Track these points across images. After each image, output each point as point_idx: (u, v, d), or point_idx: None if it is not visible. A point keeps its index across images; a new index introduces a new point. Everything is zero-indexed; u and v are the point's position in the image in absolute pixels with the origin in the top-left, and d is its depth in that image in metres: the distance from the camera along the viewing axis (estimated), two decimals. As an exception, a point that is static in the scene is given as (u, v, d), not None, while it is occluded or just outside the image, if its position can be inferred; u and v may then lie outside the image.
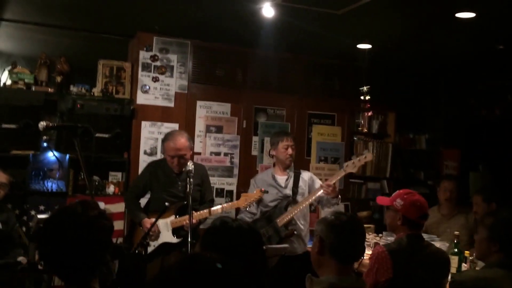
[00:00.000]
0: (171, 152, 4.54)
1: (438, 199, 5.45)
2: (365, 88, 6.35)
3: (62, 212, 2.25)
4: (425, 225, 5.21)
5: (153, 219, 4.09)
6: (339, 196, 4.75)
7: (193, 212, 4.32)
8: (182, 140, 4.55)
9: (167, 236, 4.52)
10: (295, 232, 4.72)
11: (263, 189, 4.65)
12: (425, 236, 3.76)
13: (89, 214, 2.17)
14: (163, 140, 4.73)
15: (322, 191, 4.58)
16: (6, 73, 5.48)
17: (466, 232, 4.99)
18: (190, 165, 4.17)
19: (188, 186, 4.03)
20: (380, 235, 5.05)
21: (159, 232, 4.51)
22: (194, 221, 4.30)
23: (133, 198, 4.77)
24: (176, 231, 4.52)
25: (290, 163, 4.90)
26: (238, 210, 5.20)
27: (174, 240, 4.50)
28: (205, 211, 4.50)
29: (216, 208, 4.55)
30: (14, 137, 5.15)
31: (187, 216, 4.12)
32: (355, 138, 6.92)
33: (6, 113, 5.12)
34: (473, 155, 7.31)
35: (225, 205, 4.66)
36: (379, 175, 7.07)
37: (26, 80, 5.42)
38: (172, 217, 4.53)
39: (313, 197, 4.67)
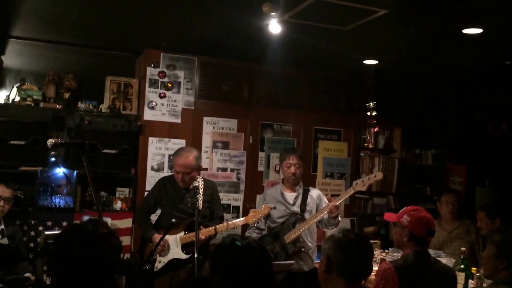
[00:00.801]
0: (177, 167, 4.60)
1: (439, 213, 5.47)
2: (371, 104, 6.37)
3: (72, 229, 2.27)
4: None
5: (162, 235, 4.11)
6: (339, 218, 4.78)
7: (202, 228, 4.36)
8: (189, 158, 4.59)
9: (176, 252, 4.54)
10: (303, 249, 4.72)
11: (271, 205, 4.67)
12: (431, 252, 3.76)
13: (99, 232, 2.18)
14: (174, 154, 4.79)
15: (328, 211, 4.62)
16: (14, 89, 5.52)
17: (467, 245, 5.04)
18: (198, 181, 4.22)
19: (195, 202, 4.06)
20: (387, 251, 5.04)
21: (168, 247, 4.53)
22: (202, 237, 4.38)
23: (144, 214, 4.82)
24: (185, 247, 4.53)
25: (293, 182, 4.91)
26: (245, 226, 5.20)
27: (184, 256, 4.52)
28: (212, 227, 4.52)
29: (224, 224, 4.57)
30: (23, 153, 5.17)
31: (194, 233, 4.19)
32: (362, 154, 6.91)
33: (15, 129, 5.15)
34: (480, 171, 7.29)
35: (234, 221, 4.69)
36: (385, 191, 7.05)
37: (34, 97, 5.46)
38: (182, 233, 4.56)
39: (321, 215, 4.68)
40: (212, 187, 4.85)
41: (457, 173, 7.47)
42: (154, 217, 4.95)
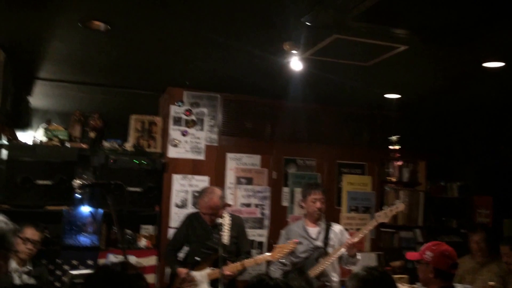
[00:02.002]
0: (203, 209, 4.71)
1: (470, 249, 5.40)
2: (394, 137, 6.35)
3: (101, 271, 2.29)
4: (459, 273, 5.19)
5: (187, 269, 4.15)
6: (358, 257, 4.74)
7: (228, 263, 4.43)
8: (213, 200, 4.71)
9: None
10: (327, 284, 4.68)
11: (296, 240, 4.66)
12: (459, 286, 3.70)
13: (128, 274, 2.19)
14: (199, 195, 4.87)
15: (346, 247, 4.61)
16: (41, 130, 5.63)
17: (499, 280, 4.95)
18: (223, 217, 4.31)
19: (220, 238, 4.18)
20: (414, 286, 4.95)
21: (196, 284, 4.53)
22: (229, 273, 4.43)
23: (172, 250, 4.86)
24: (213, 283, 4.53)
25: (319, 217, 4.90)
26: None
27: None
28: (239, 263, 4.54)
29: (251, 260, 4.60)
30: (49, 192, 5.25)
31: (223, 268, 4.27)
32: (386, 187, 6.86)
33: (42, 169, 5.23)
34: (507, 202, 7.16)
35: (260, 256, 4.71)
36: (411, 224, 6.96)
37: (60, 137, 5.56)
38: (208, 269, 4.57)
39: (342, 249, 4.65)
40: (239, 223, 4.91)
41: (483, 205, 7.34)
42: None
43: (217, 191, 4.79)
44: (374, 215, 4.79)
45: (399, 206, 4.68)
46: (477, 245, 5.30)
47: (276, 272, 4.79)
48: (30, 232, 4.63)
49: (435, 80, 5.36)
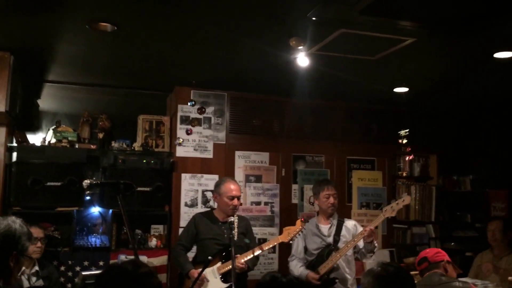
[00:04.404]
0: (233, 192, 4.70)
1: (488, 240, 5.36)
2: (403, 132, 6.29)
3: (113, 269, 2.27)
4: (477, 265, 5.15)
5: (200, 269, 4.15)
6: (375, 243, 4.71)
7: (237, 256, 4.43)
8: (237, 183, 4.83)
9: (216, 283, 4.52)
10: (337, 281, 4.68)
11: (303, 218, 4.69)
12: (479, 283, 3.69)
13: (140, 272, 2.17)
14: (218, 185, 4.83)
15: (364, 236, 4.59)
16: (50, 132, 5.65)
17: None
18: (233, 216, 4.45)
19: (231, 233, 4.20)
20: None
21: (207, 281, 4.51)
22: (241, 263, 4.45)
23: (181, 250, 4.80)
24: (224, 276, 4.52)
25: (332, 212, 4.90)
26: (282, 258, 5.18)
27: (224, 285, 4.50)
28: (249, 252, 4.55)
29: (260, 246, 4.60)
30: (59, 194, 5.24)
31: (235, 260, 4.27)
32: (398, 183, 6.80)
33: (51, 171, 5.24)
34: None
35: (269, 241, 4.73)
36: (424, 219, 6.90)
37: (69, 138, 5.57)
38: (219, 264, 4.55)
39: (355, 242, 4.65)
40: (246, 221, 4.92)
41: (498, 199, 7.25)
42: (191, 254, 4.93)
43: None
44: (382, 209, 4.77)
45: (406, 199, 4.67)
46: (492, 234, 5.24)
47: (295, 268, 4.82)
48: (35, 231, 4.68)
49: (444, 72, 5.31)
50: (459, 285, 3.45)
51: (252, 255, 4.53)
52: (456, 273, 3.79)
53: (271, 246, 4.67)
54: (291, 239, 4.65)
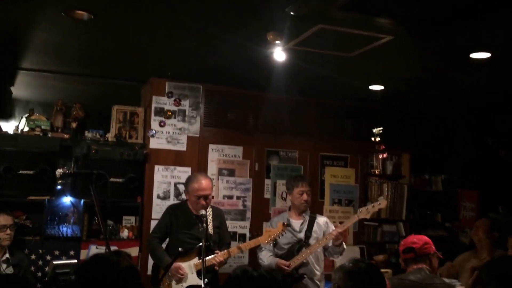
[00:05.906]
0: (198, 192, 4.59)
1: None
2: (377, 130, 6.35)
3: (96, 260, 2.25)
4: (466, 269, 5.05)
5: (179, 263, 4.21)
6: (344, 246, 4.78)
7: (217, 252, 4.49)
8: (207, 181, 4.66)
9: (192, 278, 4.52)
10: (305, 276, 4.72)
11: (285, 223, 4.69)
12: (447, 281, 3.72)
13: (123, 264, 2.16)
14: (187, 182, 4.75)
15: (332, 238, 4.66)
16: (23, 120, 5.57)
17: None
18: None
19: (205, 228, 4.21)
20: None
21: (186, 274, 4.51)
22: (221, 259, 4.48)
23: (157, 243, 4.76)
24: (200, 273, 4.48)
25: (305, 208, 4.93)
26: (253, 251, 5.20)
27: (199, 281, 4.45)
28: (226, 251, 4.57)
29: (238, 246, 4.66)
30: (31, 182, 5.20)
31: (210, 256, 4.39)
32: (371, 180, 6.86)
33: (24, 159, 5.19)
34: (492, 196, 7.17)
35: (249, 242, 4.79)
36: (395, 218, 6.97)
37: (42, 127, 5.49)
38: (195, 259, 4.54)
39: (325, 241, 4.72)
40: (220, 213, 4.90)
41: (468, 199, 7.36)
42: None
43: (205, 174, 4.86)
44: (357, 210, 4.84)
45: (382, 203, 4.75)
46: (475, 233, 5.04)
47: (264, 257, 4.83)
48: (3, 219, 4.67)
49: (420, 71, 5.36)
50: None
51: (228, 256, 4.56)
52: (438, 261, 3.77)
53: (251, 247, 4.72)
54: (271, 242, 4.67)
